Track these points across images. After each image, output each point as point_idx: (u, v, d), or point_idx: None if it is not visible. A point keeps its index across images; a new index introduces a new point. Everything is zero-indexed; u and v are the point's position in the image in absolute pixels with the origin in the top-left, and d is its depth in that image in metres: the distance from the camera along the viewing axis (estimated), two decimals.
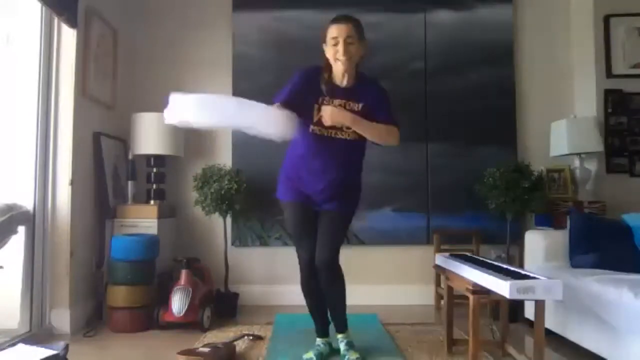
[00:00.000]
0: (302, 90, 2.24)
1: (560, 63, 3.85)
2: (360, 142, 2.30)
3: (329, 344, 2.51)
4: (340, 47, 2.19)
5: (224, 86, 3.78)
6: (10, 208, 2.60)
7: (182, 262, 3.08)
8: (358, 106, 2.26)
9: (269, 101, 2.11)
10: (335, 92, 2.26)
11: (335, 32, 2.21)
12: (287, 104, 2.14)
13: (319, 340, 2.50)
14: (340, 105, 2.23)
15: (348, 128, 2.23)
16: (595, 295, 2.24)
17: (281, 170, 2.46)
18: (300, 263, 2.40)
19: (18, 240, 2.70)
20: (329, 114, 2.17)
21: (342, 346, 2.44)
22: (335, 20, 2.25)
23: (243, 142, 3.71)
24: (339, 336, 2.47)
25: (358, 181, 2.42)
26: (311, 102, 2.25)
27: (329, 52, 2.25)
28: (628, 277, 2.28)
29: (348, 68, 2.24)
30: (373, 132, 2.23)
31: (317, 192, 2.32)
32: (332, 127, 2.23)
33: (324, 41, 2.27)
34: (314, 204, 2.36)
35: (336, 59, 2.22)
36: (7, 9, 2.90)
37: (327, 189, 2.30)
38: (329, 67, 2.28)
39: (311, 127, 2.25)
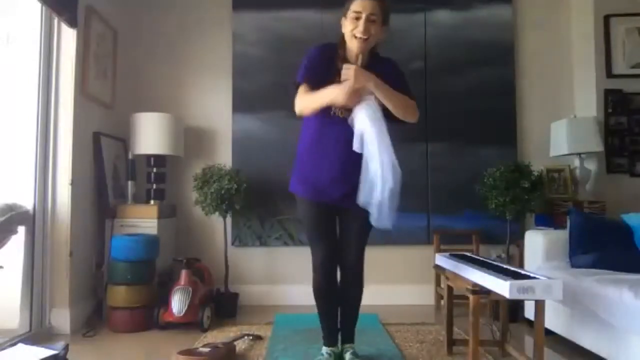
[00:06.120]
0: (320, 67, 2.10)
1: (560, 63, 3.85)
2: None
3: (336, 355, 2.29)
4: (361, 24, 2.02)
5: (224, 86, 3.78)
6: (10, 208, 2.60)
7: (182, 262, 3.08)
8: None
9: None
10: None
11: (359, 6, 2.03)
12: (309, 82, 2.07)
13: (325, 350, 2.29)
14: None
15: None
16: (595, 295, 2.23)
17: (295, 162, 2.29)
18: (315, 262, 2.23)
19: (18, 240, 2.70)
20: (353, 74, 1.96)
21: (347, 356, 2.27)
22: None
23: (243, 142, 3.72)
24: (346, 346, 2.32)
25: None
26: (329, 81, 2.06)
27: (348, 26, 2.07)
28: (628, 277, 2.28)
29: (364, 48, 2.07)
30: (395, 101, 2.05)
31: (333, 182, 2.14)
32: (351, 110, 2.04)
33: (345, 14, 2.09)
34: (332, 199, 2.17)
35: (353, 36, 2.05)
36: (7, 9, 2.90)
37: (343, 177, 2.12)
38: (343, 45, 2.13)
39: (332, 109, 2.09)
